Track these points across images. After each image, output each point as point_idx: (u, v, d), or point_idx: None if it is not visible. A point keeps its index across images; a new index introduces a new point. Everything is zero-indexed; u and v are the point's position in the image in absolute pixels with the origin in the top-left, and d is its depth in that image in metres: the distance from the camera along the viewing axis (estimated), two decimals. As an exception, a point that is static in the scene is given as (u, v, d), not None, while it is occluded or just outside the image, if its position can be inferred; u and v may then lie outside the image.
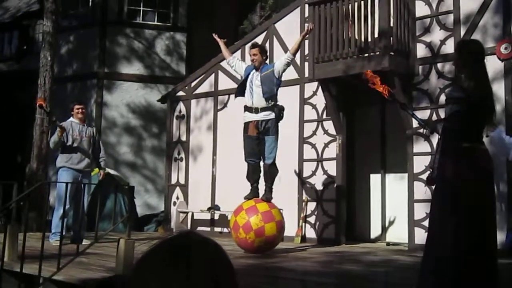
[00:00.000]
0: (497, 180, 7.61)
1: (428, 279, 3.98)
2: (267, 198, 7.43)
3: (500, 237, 7.16)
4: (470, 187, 3.94)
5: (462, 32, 8.39)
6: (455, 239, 3.87)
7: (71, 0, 14.21)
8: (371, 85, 4.85)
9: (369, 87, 4.93)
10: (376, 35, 8.46)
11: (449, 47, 8.43)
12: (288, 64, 7.62)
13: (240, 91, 7.76)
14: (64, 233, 6.16)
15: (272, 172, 7.55)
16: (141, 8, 14.16)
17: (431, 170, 4.34)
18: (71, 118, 8.29)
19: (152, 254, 1.15)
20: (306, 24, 7.72)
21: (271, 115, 7.42)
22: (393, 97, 5.23)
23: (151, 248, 1.16)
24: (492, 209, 4.08)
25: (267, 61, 7.94)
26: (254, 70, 7.60)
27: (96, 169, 8.72)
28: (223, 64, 11.10)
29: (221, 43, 8.02)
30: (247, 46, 9.17)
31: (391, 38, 8.45)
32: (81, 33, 14.25)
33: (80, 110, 8.29)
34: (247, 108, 7.54)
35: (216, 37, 8.04)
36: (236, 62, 7.92)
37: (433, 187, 4.28)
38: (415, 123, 8.64)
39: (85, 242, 6.99)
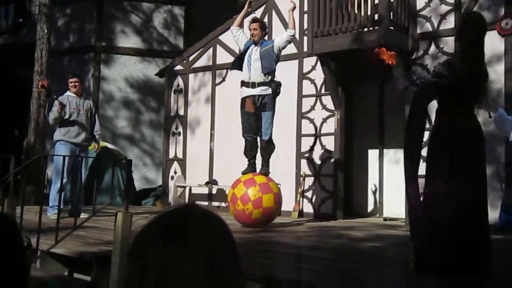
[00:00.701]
0: (495, 161, 7.63)
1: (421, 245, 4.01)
2: (265, 172, 7.48)
3: (495, 215, 7.20)
4: (458, 164, 3.95)
5: (463, 8, 8.31)
6: (446, 216, 3.90)
7: (67, -28, 14.03)
8: (378, 55, 4.75)
9: (372, 62, 4.87)
10: (376, 9, 8.38)
11: (449, 23, 8.37)
12: (289, 41, 7.61)
13: (236, 63, 7.73)
14: (61, 207, 6.17)
15: (268, 148, 7.58)
16: (139, -19, 13.99)
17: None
18: (67, 92, 8.25)
19: (150, 226, 1.15)
20: (290, 2, 7.62)
21: (268, 90, 7.40)
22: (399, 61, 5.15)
23: (149, 220, 1.16)
24: (482, 182, 4.08)
25: (266, 37, 7.90)
26: (253, 45, 7.55)
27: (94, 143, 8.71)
28: (222, 37, 11.04)
29: (245, 11, 7.90)
30: (246, 20, 9.08)
31: (391, 13, 8.38)
32: (78, 5, 14.09)
33: (74, 83, 8.23)
34: (244, 83, 7.52)
35: (247, 5, 7.92)
36: (240, 35, 7.84)
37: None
38: (413, 99, 8.61)
39: (83, 215, 7.00)
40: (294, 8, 7.64)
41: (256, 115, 7.45)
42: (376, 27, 8.36)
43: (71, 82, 8.24)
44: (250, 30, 7.62)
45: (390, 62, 4.68)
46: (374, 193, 9.73)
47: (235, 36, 7.89)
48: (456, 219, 3.90)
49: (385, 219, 9.23)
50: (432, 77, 4.09)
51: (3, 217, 1.38)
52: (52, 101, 8.12)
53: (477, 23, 4.21)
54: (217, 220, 1.18)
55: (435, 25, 8.60)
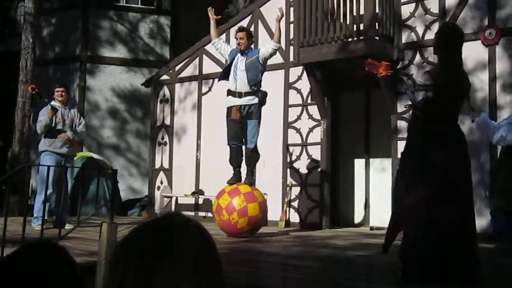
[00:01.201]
0: (479, 167, 7.69)
1: (407, 261, 4.02)
2: (250, 182, 7.46)
3: (483, 222, 7.24)
4: (440, 170, 3.97)
5: (447, 18, 8.39)
6: (430, 223, 3.91)
7: (53, -19, 13.99)
8: (374, 72, 4.80)
9: (360, 72, 4.91)
10: (361, 19, 8.44)
11: (434, 32, 8.40)
12: (274, 53, 7.58)
13: (224, 74, 7.71)
14: (46, 218, 6.11)
15: (253, 156, 7.57)
16: (125, -10, 13.98)
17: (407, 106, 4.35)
18: (52, 102, 8.19)
19: (130, 236, 1.13)
20: (279, 10, 7.61)
21: (254, 100, 7.40)
22: (394, 70, 5.18)
23: (130, 230, 1.15)
24: (466, 190, 4.10)
25: (252, 46, 7.90)
26: (239, 55, 7.54)
27: (79, 154, 8.65)
28: (208, 47, 11.03)
29: (212, 21, 7.83)
30: (233, 30, 9.12)
31: (377, 23, 8.43)
32: (64, 15, 14.04)
33: (60, 93, 8.17)
34: (231, 92, 7.51)
35: (210, 13, 7.81)
36: (221, 45, 7.84)
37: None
38: (399, 108, 8.67)
39: (68, 226, 6.94)
40: (282, 17, 7.63)
41: (241, 122, 7.44)
42: (362, 37, 8.41)
43: (58, 92, 8.18)
44: (237, 39, 7.60)
45: (384, 73, 4.76)
46: (365, 206, 9.73)
47: (218, 48, 7.88)
48: (441, 226, 3.91)
49: (372, 228, 9.24)
50: (420, 91, 4.14)
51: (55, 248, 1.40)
52: (43, 105, 8.04)
53: (452, 34, 4.28)
54: (198, 228, 1.17)
55: (420, 34, 8.67)
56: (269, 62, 7.93)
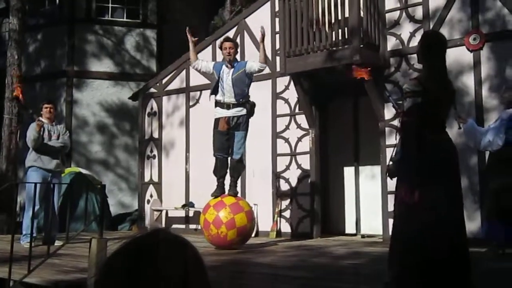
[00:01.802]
0: (469, 173, 7.72)
1: (395, 269, 4.01)
2: (234, 193, 7.45)
3: (473, 227, 7.25)
4: (432, 179, 3.97)
5: (431, 24, 8.45)
6: (421, 229, 3.90)
7: (38, -3, 13.96)
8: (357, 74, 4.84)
9: (346, 79, 4.94)
10: (346, 28, 8.48)
11: (418, 39, 8.47)
12: (260, 72, 7.58)
13: (215, 89, 7.63)
14: (35, 234, 6.05)
15: (238, 167, 7.57)
16: (110, 5, 13.97)
17: (391, 162, 4.39)
18: (40, 118, 8.14)
19: (115, 255, 1.11)
20: (260, 30, 7.53)
21: (242, 111, 7.39)
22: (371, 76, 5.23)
23: (118, 248, 1.13)
24: (458, 199, 4.11)
25: (238, 57, 7.89)
26: (225, 67, 7.51)
27: (67, 170, 8.58)
28: (194, 60, 11.04)
29: (191, 43, 7.68)
30: (218, 41, 9.10)
31: (361, 31, 8.48)
32: (49, 31, 14.01)
33: (49, 109, 8.14)
34: (219, 104, 7.49)
35: (189, 34, 7.72)
36: (202, 65, 7.74)
37: (394, 179, 4.31)
38: (387, 115, 8.70)
39: (57, 243, 6.87)
40: (264, 36, 7.48)
41: (228, 134, 7.43)
42: (347, 45, 8.44)
43: (46, 108, 8.13)
44: (226, 49, 7.53)
45: (365, 78, 4.79)
46: (356, 214, 9.72)
47: (199, 69, 7.82)
48: (433, 233, 3.90)
49: (363, 236, 9.24)
50: (406, 98, 4.14)
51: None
52: (30, 122, 7.99)
53: (435, 41, 4.31)
54: (188, 245, 1.15)
55: (405, 41, 8.72)
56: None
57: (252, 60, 7.60)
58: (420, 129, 4.02)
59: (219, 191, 7.47)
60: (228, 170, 7.58)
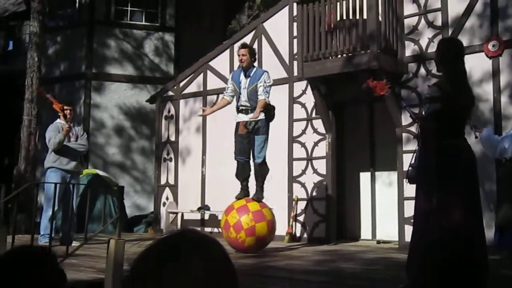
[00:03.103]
0: (486, 180, 7.66)
1: (414, 274, 4.00)
2: (258, 198, 7.42)
3: (489, 234, 7.20)
4: (452, 183, 3.97)
5: (450, 31, 8.42)
6: (440, 234, 3.89)
7: (58, 0, 14.11)
8: (373, 87, 4.83)
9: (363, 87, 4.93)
10: (364, 33, 8.47)
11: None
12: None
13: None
14: (53, 235, 6.12)
15: (262, 171, 7.54)
16: (129, 8, 14.09)
17: (410, 168, 4.39)
18: (58, 120, 8.23)
19: (145, 252, 1.14)
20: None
21: (261, 115, 7.39)
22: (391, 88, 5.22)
23: (143, 250, 1.15)
24: (477, 204, 4.10)
25: (256, 64, 7.90)
26: (242, 75, 7.53)
27: (85, 171, 8.66)
28: (212, 63, 11.12)
29: (210, 110, 7.80)
30: (236, 46, 9.13)
31: (380, 37, 8.47)
32: (69, 33, 14.16)
33: (69, 111, 8.23)
34: (238, 109, 7.52)
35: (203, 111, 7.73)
36: (230, 89, 7.68)
37: (413, 185, 4.31)
38: (404, 121, 8.67)
39: (75, 243, 6.93)
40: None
41: (249, 137, 7.44)
42: (363, 51, 8.43)
43: (66, 110, 8.23)
44: (239, 55, 7.60)
45: (383, 93, 4.78)
46: (372, 220, 9.69)
47: (232, 93, 7.67)
48: (451, 239, 3.89)
49: (379, 242, 9.20)
50: (426, 103, 4.14)
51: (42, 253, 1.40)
52: (49, 123, 8.10)
53: (452, 47, 4.30)
54: (213, 244, 1.16)
55: (424, 47, 8.69)
56: (273, 77, 7.97)
57: (263, 84, 7.38)
58: (440, 135, 4.02)
59: (242, 194, 7.47)
60: (252, 174, 7.58)
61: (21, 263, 1.37)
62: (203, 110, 7.78)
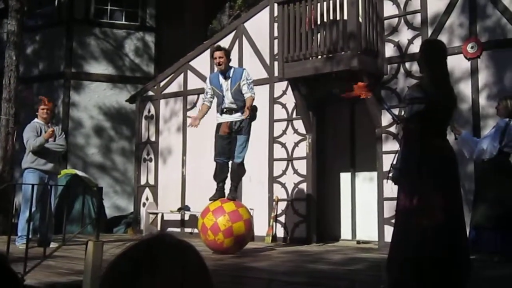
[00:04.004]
0: (465, 180, 7.72)
1: (395, 274, 4.02)
2: (233, 197, 7.42)
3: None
4: (434, 183, 3.99)
5: (430, 31, 8.49)
6: (421, 234, 3.92)
7: (36, -1, 13.96)
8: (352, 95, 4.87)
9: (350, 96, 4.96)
10: (344, 34, 8.50)
11: (416, 47, 8.49)
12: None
13: (218, 105, 7.55)
14: (31, 236, 6.04)
15: (239, 171, 7.54)
16: (109, 7, 13.97)
17: (393, 169, 4.41)
18: (35, 119, 8.13)
19: (119, 259, 1.12)
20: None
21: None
22: (372, 91, 5.27)
23: (119, 252, 1.13)
24: (458, 204, 4.13)
25: (236, 64, 7.87)
26: (221, 78, 7.48)
27: (63, 171, 8.56)
28: (192, 63, 11.08)
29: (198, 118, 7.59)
30: (211, 49, 9.10)
31: (360, 38, 8.50)
32: (47, 32, 14.00)
33: (45, 110, 8.13)
34: (223, 111, 7.46)
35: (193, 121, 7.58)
36: (209, 93, 7.59)
37: (397, 186, 4.33)
38: (384, 122, 8.72)
39: (53, 245, 6.86)
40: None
41: (230, 137, 7.42)
42: (344, 52, 8.46)
43: (43, 109, 8.12)
44: (215, 58, 7.49)
45: (364, 96, 4.81)
46: (352, 220, 9.73)
47: (211, 96, 7.59)
48: (432, 238, 3.91)
49: (358, 242, 9.25)
50: (407, 104, 4.17)
51: None
52: (26, 123, 8.00)
53: (436, 48, 4.34)
54: (189, 250, 1.15)
55: (403, 48, 8.75)
56: (254, 77, 7.96)
57: (246, 82, 7.38)
58: (422, 135, 4.04)
59: (217, 195, 7.44)
60: (228, 174, 7.56)
61: None
62: (192, 122, 7.55)
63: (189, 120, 7.62)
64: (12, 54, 10.65)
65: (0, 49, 13.41)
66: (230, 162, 7.55)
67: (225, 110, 7.45)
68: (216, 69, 7.75)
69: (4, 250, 5.12)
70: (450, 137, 6.23)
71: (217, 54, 7.47)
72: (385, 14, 8.97)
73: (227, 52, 7.62)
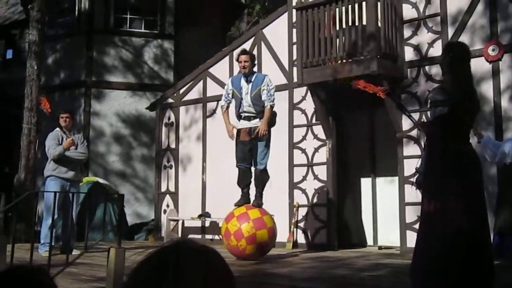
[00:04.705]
0: (488, 184, 7.63)
1: (418, 280, 3.97)
2: (258, 204, 7.38)
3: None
4: (458, 188, 3.94)
5: (450, 34, 8.42)
6: (444, 241, 3.87)
7: (57, 8, 14.13)
8: (365, 89, 4.85)
9: (361, 91, 4.93)
10: (364, 38, 8.46)
11: (436, 50, 8.45)
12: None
13: (236, 107, 7.54)
14: (53, 244, 6.08)
15: (263, 177, 7.50)
16: (128, 16, 14.10)
17: (417, 173, 4.37)
18: (57, 128, 8.21)
19: (142, 265, 1.12)
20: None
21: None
22: (390, 95, 5.24)
23: (142, 258, 1.13)
24: (483, 209, 4.07)
25: (255, 69, 7.87)
26: (243, 81, 7.49)
27: (85, 179, 8.63)
28: (211, 70, 11.11)
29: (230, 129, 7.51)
30: (235, 52, 9.10)
31: (379, 42, 8.46)
32: (68, 41, 14.16)
33: (64, 118, 8.19)
34: (241, 116, 7.47)
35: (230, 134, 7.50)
36: (231, 95, 7.56)
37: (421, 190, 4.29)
38: (405, 126, 8.66)
39: (75, 252, 6.90)
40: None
41: (251, 144, 7.40)
42: (363, 56, 8.42)
43: (62, 118, 8.20)
44: (241, 62, 7.54)
45: (381, 96, 4.79)
46: (373, 226, 9.66)
47: (230, 100, 7.57)
48: (461, 242, 3.86)
49: (380, 247, 9.17)
50: (430, 107, 4.13)
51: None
52: (49, 131, 8.09)
53: (460, 51, 4.29)
54: (212, 255, 1.15)
55: (423, 52, 8.68)
56: (273, 83, 7.93)
57: (267, 88, 7.35)
58: (445, 139, 4.00)
59: (243, 201, 7.42)
60: (253, 180, 7.53)
61: (13, 284, 1.34)
62: (230, 135, 7.50)
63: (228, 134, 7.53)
64: (33, 63, 10.78)
65: (23, 59, 13.58)
66: (252, 168, 7.52)
67: (243, 116, 7.44)
68: (236, 72, 7.75)
69: (27, 257, 5.17)
70: (473, 140, 6.19)
71: (243, 57, 7.50)
72: (405, 18, 8.91)
73: (253, 57, 7.67)
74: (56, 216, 6.72)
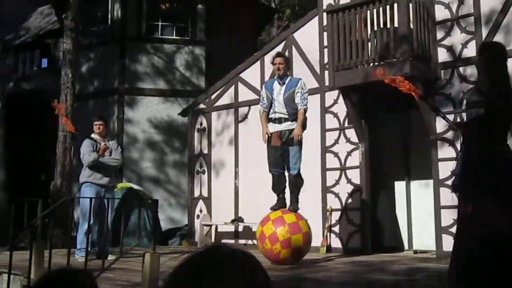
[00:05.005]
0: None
1: (455, 283, 3.91)
2: (294, 208, 7.34)
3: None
4: (495, 190, 3.87)
5: (484, 34, 8.28)
6: (481, 244, 3.79)
7: (90, 17, 14.36)
8: (399, 87, 4.79)
9: (395, 89, 4.88)
10: (396, 40, 8.38)
11: (470, 50, 8.32)
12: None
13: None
14: (89, 249, 6.16)
15: (297, 182, 7.47)
16: (160, 23, 14.25)
17: (453, 176, 4.30)
18: (92, 135, 8.32)
19: (178, 270, 1.12)
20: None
21: (294, 125, 7.35)
22: (424, 99, 5.18)
23: (178, 264, 1.13)
24: None
25: (288, 72, 7.88)
26: (276, 83, 7.51)
27: (119, 185, 8.71)
28: (243, 75, 11.14)
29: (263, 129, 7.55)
30: (267, 57, 9.13)
31: (412, 43, 8.36)
32: (101, 50, 14.39)
33: (98, 126, 8.31)
34: (270, 119, 7.48)
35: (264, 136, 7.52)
36: (265, 103, 7.55)
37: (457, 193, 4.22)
38: (439, 128, 8.54)
39: (111, 257, 6.98)
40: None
41: (282, 149, 7.38)
42: (395, 59, 8.34)
43: (96, 125, 8.32)
44: (275, 64, 7.55)
45: (415, 96, 4.72)
46: (408, 229, 9.55)
47: (266, 104, 7.55)
48: (499, 246, 3.78)
49: (415, 251, 9.05)
50: (466, 108, 4.07)
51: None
52: (83, 138, 8.21)
53: (496, 50, 4.21)
54: (249, 259, 1.14)
55: (457, 53, 8.56)
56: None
57: (301, 91, 7.37)
58: (482, 140, 3.93)
59: (278, 205, 7.40)
60: (287, 185, 7.52)
61: (60, 285, 1.37)
62: (264, 137, 7.55)
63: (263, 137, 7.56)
64: (68, 72, 10.98)
65: (58, 67, 13.83)
66: (286, 173, 7.51)
67: (273, 118, 7.43)
68: (267, 77, 7.77)
69: (64, 262, 5.25)
70: (511, 141, 6.06)
71: (278, 60, 7.54)
72: (437, 18, 8.80)
73: (287, 60, 7.72)
74: (91, 222, 6.81)
